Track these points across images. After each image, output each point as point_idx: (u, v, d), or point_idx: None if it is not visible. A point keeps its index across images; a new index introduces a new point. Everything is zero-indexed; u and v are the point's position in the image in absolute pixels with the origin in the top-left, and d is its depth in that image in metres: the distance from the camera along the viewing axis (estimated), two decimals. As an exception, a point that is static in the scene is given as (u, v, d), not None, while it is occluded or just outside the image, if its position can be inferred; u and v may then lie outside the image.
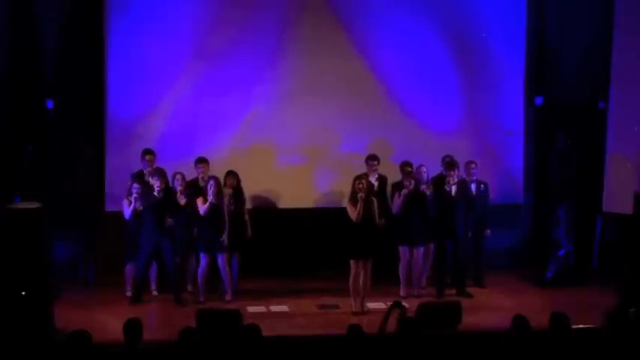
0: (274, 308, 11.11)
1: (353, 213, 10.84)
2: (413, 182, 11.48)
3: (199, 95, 12.47)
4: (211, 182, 11.26)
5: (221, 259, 11.30)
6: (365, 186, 10.88)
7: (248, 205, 12.02)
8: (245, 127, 12.56)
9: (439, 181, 11.81)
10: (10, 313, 9.59)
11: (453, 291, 11.64)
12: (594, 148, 12.77)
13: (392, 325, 7.93)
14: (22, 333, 9.40)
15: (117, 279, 11.56)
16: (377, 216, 10.99)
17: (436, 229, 11.67)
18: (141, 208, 11.26)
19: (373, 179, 11.86)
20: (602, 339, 7.56)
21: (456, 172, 11.70)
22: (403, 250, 11.56)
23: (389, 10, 12.69)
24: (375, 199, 11.02)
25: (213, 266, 11.34)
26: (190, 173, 11.69)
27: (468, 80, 12.95)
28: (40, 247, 9.78)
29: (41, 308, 9.68)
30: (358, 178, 10.99)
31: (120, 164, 12.11)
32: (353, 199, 10.86)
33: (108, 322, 10.09)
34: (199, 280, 11.33)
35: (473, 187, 11.99)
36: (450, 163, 11.74)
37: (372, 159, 12.00)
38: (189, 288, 11.67)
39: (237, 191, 11.66)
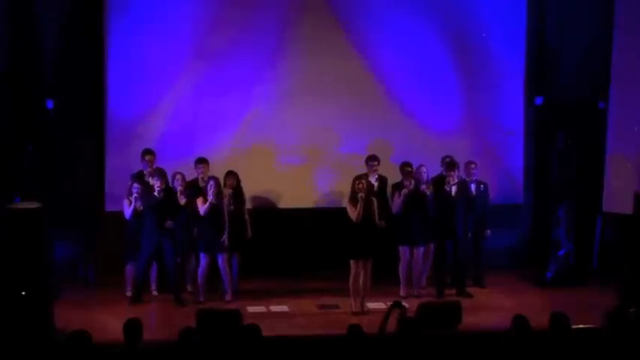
0: (274, 308, 11.11)
1: (353, 213, 10.84)
2: (413, 182, 11.48)
3: (199, 95, 12.47)
4: (211, 182, 11.26)
5: (221, 259, 11.30)
6: (365, 186, 10.88)
7: (248, 206, 12.02)
8: (245, 127, 12.56)
9: (439, 182, 11.82)
10: (10, 313, 9.59)
11: (453, 291, 11.64)
12: (594, 148, 12.77)
13: (392, 325, 7.93)
14: (22, 333, 9.40)
15: (117, 279, 11.56)
16: (377, 216, 10.99)
17: (436, 229, 11.67)
18: (141, 208, 11.26)
19: (373, 179, 11.86)
20: (602, 339, 7.56)
21: (456, 172, 11.70)
22: (403, 250, 11.56)
23: (389, 10, 12.69)
24: (374, 199, 11.02)
25: (213, 266, 11.34)
26: (190, 173, 11.69)
27: (467, 80, 12.95)
28: (40, 247, 9.78)
29: (41, 308, 9.69)
30: (358, 178, 10.99)
31: (120, 164, 12.11)
32: (353, 199, 10.86)
33: (108, 322, 10.09)
34: (199, 280, 11.33)
35: (473, 187, 11.99)
36: (450, 164, 11.74)
37: (372, 159, 12.00)
38: (189, 288, 11.68)
39: (237, 191, 11.66)
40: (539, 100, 13.10)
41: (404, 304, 9.06)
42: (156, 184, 11.24)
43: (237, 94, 12.51)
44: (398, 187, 11.64)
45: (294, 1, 12.57)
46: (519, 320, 7.55)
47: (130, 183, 11.47)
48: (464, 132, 12.91)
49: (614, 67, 12.58)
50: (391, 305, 8.49)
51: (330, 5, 12.62)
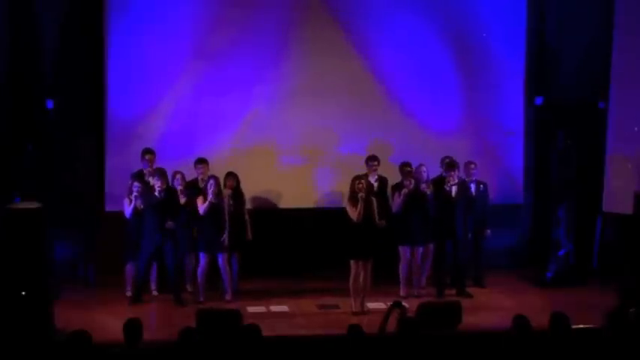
0: (274, 308, 11.11)
1: (353, 213, 10.84)
2: (413, 182, 11.48)
3: (199, 95, 12.47)
4: (211, 182, 11.26)
5: (221, 259, 11.31)
6: (365, 186, 10.88)
7: (248, 206, 12.02)
8: (245, 127, 12.56)
9: (439, 182, 11.82)
10: (10, 313, 9.59)
11: (453, 291, 11.63)
12: (594, 148, 12.77)
13: (392, 325, 7.93)
14: (22, 333, 9.40)
15: (117, 279, 11.56)
16: (377, 216, 10.98)
17: (436, 229, 11.67)
18: (142, 206, 11.27)
19: (373, 180, 11.86)
20: (602, 339, 7.56)
21: (456, 172, 11.70)
22: (404, 250, 11.56)
23: (389, 11, 12.69)
24: (374, 199, 11.02)
25: (213, 266, 11.34)
26: (190, 173, 11.69)
27: (467, 80, 12.95)
28: (40, 247, 9.78)
29: (41, 308, 9.69)
30: (357, 178, 10.99)
31: (120, 164, 12.11)
32: (352, 199, 10.86)
33: (108, 322, 10.09)
34: (199, 280, 11.33)
35: (472, 187, 11.99)
36: (450, 164, 11.74)
37: (372, 159, 12.00)
38: (189, 288, 11.67)
39: (237, 192, 11.65)
40: (539, 100, 13.10)
41: (404, 304, 9.06)
42: (156, 183, 11.24)
43: (237, 94, 12.51)
44: (398, 187, 11.64)
45: (294, 1, 12.57)
46: (520, 320, 7.55)
47: (130, 182, 11.47)
48: (464, 132, 12.92)
49: (614, 67, 12.58)
50: (391, 305, 8.49)
51: (330, 5, 12.62)
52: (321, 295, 11.58)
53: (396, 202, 11.54)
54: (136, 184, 11.33)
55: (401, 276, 11.57)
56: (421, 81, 12.84)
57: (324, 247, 12.04)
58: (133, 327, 7.24)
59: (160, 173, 11.38)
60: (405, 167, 11.83)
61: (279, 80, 12.56)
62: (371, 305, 11.02)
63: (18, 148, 11.51)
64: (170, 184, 11.45)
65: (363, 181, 10.95)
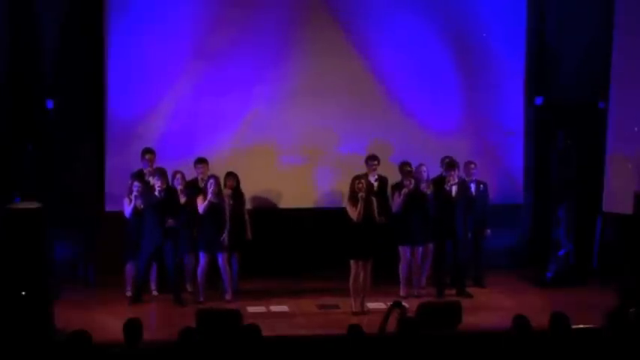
0: (274, 308, 11.11)
1: (353, 213, 10.83)
2: (413, 182, 11.48)
3: (199, 95, 12.47)
4: (211, 181, 11.27)
5: (221, 259, 11.31)
6: (364, 185, 10.88)
7: (248, 206, 12.02)
8: (245, 127, 12.56)
9: (439, 182, 11.82)
10: (10, 313, 9.59)
11: (453, 291, 11.63)
12: (594, 148, 12.77)
13: (392, 325, 7.93)
14: (22, 333, 9.40)
15: (117, 279, 11.56)
16: (377, 215, 10.97)
17: (436, 229, 11.67)
18: (142, 206, 11.27)
19: (373, 179, 11.86)
20: (602, 339, 7.56)
21: (456, 172, 11.70)
22: (404, 250, 11.56)
23: (389, 11, 12.69)
24: (374, 199, 11.01)
25: (213, 266, 11.34)
26: (190, 173, 11.69)
27: (467, 80, 12.95)
28: (40, 247, 9.78)
29: (41, 308, 9.68)
30: (357, 177, 10.99)
31: (120, 164, 12.11)
32: (352, 199, 10.86)
33: (108, 322, 10.09)
34: (199, 279, 11.33)
35: (472, 187, 11.99)
36: (450, 164, 11.74)
37: (371, 159, 12.01)
38: (189, 288, 11.67)
39: (237, 192, 11.66)
40: (539, 100, 13.10)
41: (404, 304, 9.06)
42: (157, 183, 11.24)
43: (237, 94, 12.51)
44: (398, 187, 11.63)
45: (294, 1, 12.57)
46: (520, 320, 7.55)
47: (130, 182, 11.47)
48: (464, 132, 12.92)
49: (614, 67, 12.58)
50: (391, 305, 8.49)
51: (330, 5, 12.62)
52: (321, 295, 11.58)
53: (396, 201, 11.54)
54: (136, 183, 11.33)
55: (401, 276, 11.57)
56: (421, 81, 12.84)
57: (324, 247, 12.04)
58: (133, 327, 7.24)
59: (160, 173, 11.37)
60: (404, 167, 11.83)
61: (279, 80, 12.56)
62: (371, 305, 11.02)
63: (18, 148, 11.51)
64: (170, 184, 11.45)
65: (363, 180, 10.95)
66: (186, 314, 10.37)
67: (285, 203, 12.70)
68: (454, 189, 11.63)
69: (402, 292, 11.49)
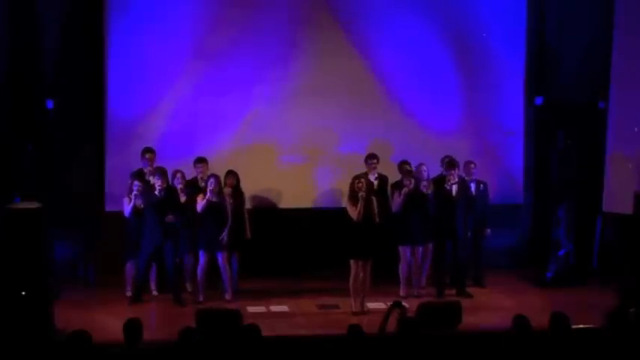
0: (274, 308, 11.11)
1: (353, 212, 10.83)
2: (413, 181, 11.48)
3: (199, 95, 12.47)
4: (211, 180, 11.27)
5: (221, 258, 11.31)
6: (364, 185, 10.88)
7: (248, 205, 12.02)
8: (245, 127, 12.56)
9: (439, 181, 11.81)
10: (10, 313, 9.59)
11: (453, 291, 11.63)
12: (594, 148, 12.77)
13: (392, 325, 7.93)
14: (22, 333, 9.40)
15: (117, 279, 11.56)
16: (376, 215, 10.97)
17: (436, 228, 11.66)
18: (142, 205, 11.27)
19: (372, 178, 11.86)
20: (602, 339, 7.56)
21: (456, 171, 11.70)
22: (404, 250, 11.55)
23: (389, 11, 12.69)
24: (374, 198, 11.01)
25: (212, 265, 11.34)
26: (190, 173, 11.69)
27: (467, 80, 12.95)
28: (40, 247, 9.78)
29: (41, 308, 9.68)
30: (357, 177, 10.99)
31: (120, 164, 12.11)
32: (352, 199, 10.86)
33: (108, 322, 10.09)
34: (199, 278, 11.33)
35: (472, 186, 11.99)
36: (450, 163, 11.75)
37: (371, 158, 12.01)
38: (189, 288, 11.67)
39: (237, 191, 11.66)
40: (539, 100, 13.10)
41: (404, 304, 9.07)
42: (157, 182, 11.23)
43: (237, 94, 12.51)
44: (397, 186, 11.63)
45: (294, 1, 12.56)
46: (520, 320, 7.55)
47: (130, 181, 11.47)
48: (464, 132, 12.92)
49: (614, 67, 12.58)
50: (391, 305, 8.49)
51: (331, 5, 12.62)
52: (321, 295, 11.58)
53: (396, 201, 11.54)
54: (136, 182, 11.34)
55: (401, 276, 11.56)
56: (421, 81, 12.84)
57: (324, 247, 12.03)
58: (133, 327, 7.24)
59: (161, 172, 11.37)
60: (404, 166, 11.84)
61: (279, 80, 12.56)
62: (371, 305, 11.02)
63: (18, 148, 11.51)
64: (170, 183, 11.44)
65: (363, 180, 10.95)
66: (186, 314, 10.36)
67: (285, 203, 12.70)
68: (454, 188, 11.63)
69: (402, 292, 11.48)
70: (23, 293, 9.62)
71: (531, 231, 13.31)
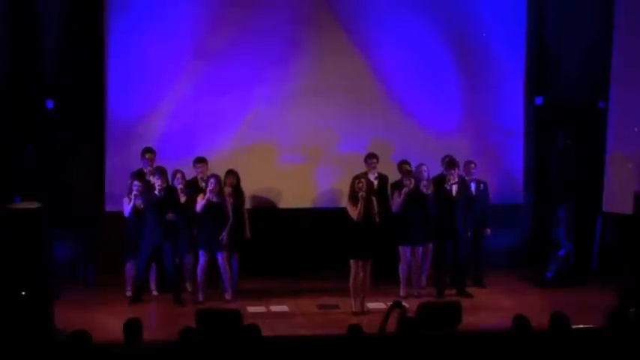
0: (274, 308, 11.11)
1: (353, 212, 10.83)
2: (413, 181, 11.47)
3: (199, 95, 12.47)
4: (212, 180, 11.27)
5: (221, 258, 11.31)
6: (365, 185, 10.88)
7: (248, 205, 12.03)
8: (245, 127, 12.56)
9: (440, 181, 11.81)
10: (10, 313, 9.58)
11: (453, 291, 11.63)
12: (594, 148, 12.78)
13: (392, 325, 7.93)
14: (22, 333, 9.40)
15: (117, 279, 11.56)
16: (377, 215, 10.97)
17: (436, 228, 11.66)
18: (142, 205, 11.27)
19: (372, 177, 11.86)
20: (602, 339, 7.56)
21: (456, 170, 11.70)
22: (404, 250, 11.55)
23: (390, 11, 12.70)
24: (374, 199, 11.01)
25: (212, 265, 11.34)
26: (190, 173, 11.69)
27: (468, 81, 12.95)
28: (40, 247, 9.78)
29: (41, 308, 9.68)
30: (357, 177, 10.99)
31: (120, 164, 12.11)
32: (353, 199, 10.86)
33: (108, 322, 10.09)
34: (199, 278, 11.32)
35: (472, 186, 11.99)
36: (450, 162, 11.75)
37: (370, 157, 12.01)
38: (189, 287, 11.67)
39: (237, 190, 11.66)
40: (539, 100, 13.10)
41: (404, 304, 9.07)
42: (157, 182, 11.23)
43: (237, 94, 12.51)
44: (397, 185, 11.63)
45: (294, 1, 12.56)
46: (520, 320, 7.55)
47: (130, 181, 11.47)
48: (464, 132, 12.92)
49: (614, 67, 12.58)
50: (391, 305, 8.50)
51: (331, 6, 12.62)
52: (321, 295, 11.58)
53: (396, 201, 11.54)
54: (135, 182, 11.34)
55: (401, 276, 11.56)
56: (422, 81, 12.85)
57: (324, 246, 12.03)
58: (133, 327, 7.24)
59: (161, 172, 11.37)
60: (404, 166, 11.84)
61: (279, 80, 12.56)
62: (371, 305, 11.02)
63: (18, 148, 11.51)
64: (170, 184, 11.44)
65: (363, 180, 10.95)
66: (186, 314, 10.36)
67: (285, 203, 12.70)
68: (454, 188, 11.63)
69: (402, 292, 11.48)
70: (23, 293, 9.62)
71: (531, 231, 13.31)
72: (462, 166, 11.93)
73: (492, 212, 12.18)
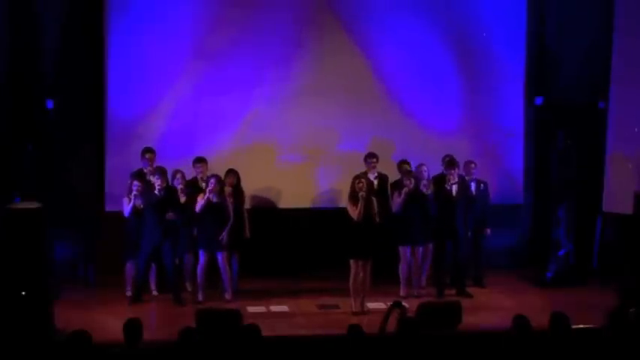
0: (274, 308, 11.11)
1: (354, 212, 10.83)
2: (413, 181, 11.47)
3: (199, 95, 12.47)
4: (212, 180, 11.27)
5: (220, 258, 11.30)
6: (365, 185, 10.88)
7: (248, 205, 12.03)
8: (245, 126, 12.57)
9: (440, 181, 11.81)
10: (10, 313, 9.59)
11: (453, 291, 11.63)
12: (594, 148, 12.78)
13: (392, 325, 7.93)
14: (22, 333, 9.40)
15: (117, 279, 11.56)
16: (377, 215, 10.97)
17: (436, 228, 11.66)
18: (141, 205, 11.27)
19: (372, 177, 11.87)
20: (602, 339, 7.56)
21: (457, 170, 11.70)
22: (404, 250, 11.55)
23: (391, 12, 12.70)
24: (374, 198, 11.01)
25: (212, 265, 11.34)
26: (190, 173, 11.69)
27: (468, 82, 12.96)
28: (40, 247, 9.78)
29: (41, 308, 9.68)
30: (357, 177, 10.99)
31: (120, 164, 12.11)
32: (353, 198, 10.86)
33: (108, 322, 10.09)
34: (198, 278, 11.32)
35: (472, 186, 11.99)
36: (450, 162, 11.75)
37: (370, 157, 12.01)
38: (189, 287, 11.67)
39: (237, 190, 11.67)
40: (539, 100, 13.10)
41: (404, 304, 9.07)
42: (157, 182, 11.24)
43: (238, 94, 12.51)
44: (397, 186, 11.63)
45: (294, 1, 12.57)
46: (520, 320, 7.55)
47: (130, 181, 11.47)
48: (464, 133, 12.92)
49: (614, 68, 12.58)
50: (391, 305, 8.50)
51: (332, 6, 12.62)
52: (321, 295, 11.58)
53: (396, 201, 11.54)
54: (135, 182, 11.34)
55: (401, 276, 11.56)
56: (422, 81, 12.85)
57: (324, 246, 12.03)
58: (133, 327, 7.24)
59: (160, 172, 11.37)
60: (404, 165, 11.83)
61: (279, 80, 12.56)
62: (371, 305, 11.02)
63: (18, 148, 11.51)
64: (170, 183, 11.44)
65: (363, 180, 10.94)
66: (186, 314, 10.36)
67: (285, 203, 12.70)
68: (454, 188, 11.63)
69: (402, 292, 11.48)
70: (23, 293, 9.62)
71: (531, 231, 13.31)
72: (462, 166, 11.93)
73: (492, 212, 12.18)
